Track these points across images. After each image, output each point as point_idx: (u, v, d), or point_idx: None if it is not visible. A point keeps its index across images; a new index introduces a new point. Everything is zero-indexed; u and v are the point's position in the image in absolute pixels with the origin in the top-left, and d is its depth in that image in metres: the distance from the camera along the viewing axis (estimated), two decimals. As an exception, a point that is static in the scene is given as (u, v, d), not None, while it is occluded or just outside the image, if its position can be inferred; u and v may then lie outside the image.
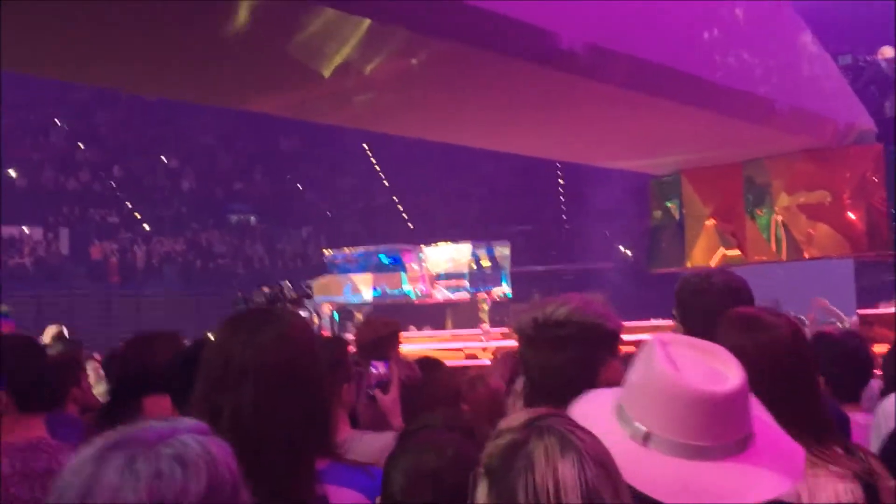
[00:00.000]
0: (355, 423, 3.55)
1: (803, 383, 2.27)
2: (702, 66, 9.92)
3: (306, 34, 6.84)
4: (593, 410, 1.67)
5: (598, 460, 1.29)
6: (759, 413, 1.65)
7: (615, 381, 2.17)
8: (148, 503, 1.11)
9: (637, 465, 1.50)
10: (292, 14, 6.67)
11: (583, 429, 1.34)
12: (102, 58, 7.54)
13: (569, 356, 2.13)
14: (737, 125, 11.08)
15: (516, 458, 1.28)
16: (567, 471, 1.25)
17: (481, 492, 1.30)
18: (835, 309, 11.97)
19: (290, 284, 11.52)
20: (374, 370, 3.42)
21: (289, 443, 2.02)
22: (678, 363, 1.54)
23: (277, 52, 7.21)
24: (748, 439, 1.55)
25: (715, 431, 1.51)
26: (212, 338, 2.23)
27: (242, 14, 6.48)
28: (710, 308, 2.79)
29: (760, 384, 1.75)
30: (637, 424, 1.55)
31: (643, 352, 1.61)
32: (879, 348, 6.31)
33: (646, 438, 1.54)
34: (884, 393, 4.53)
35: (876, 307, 12.18)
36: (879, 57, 13.99)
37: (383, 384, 3.44)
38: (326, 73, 7.64)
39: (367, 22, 6.73)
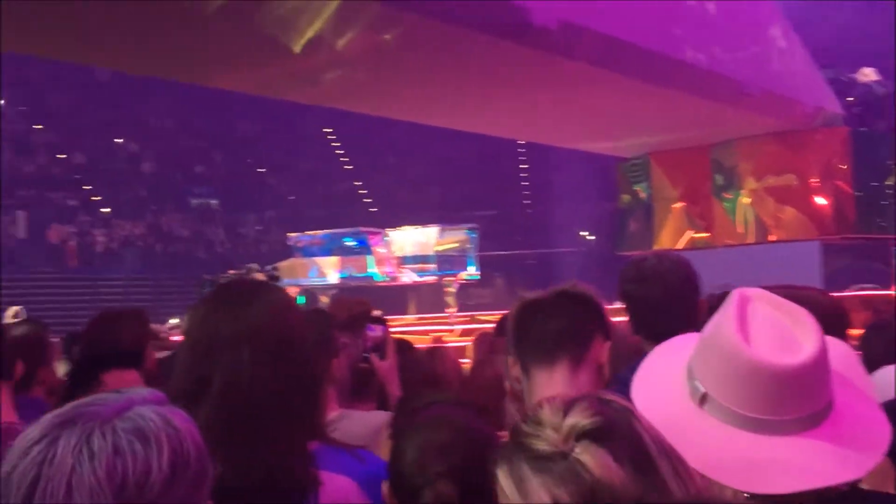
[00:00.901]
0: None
1: None
2: (673, 46, 9.89)
3: (278, 6, 6.66)
4: (670, 357, 1.55)
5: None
6: (847, 381, 1.48)
7: (603, 361, 2.12)
8: (107, 483, 1.00)
9: (689, 429, 1.37)
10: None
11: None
12: (65, 30, 7.31)
13: (568, 313, 2.12)
14: (706, 106, 11.07)
15: None
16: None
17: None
18: None
19: (257, 267, 11.38)
20: (370, 332, 3.25)
21: (286, 418, 1.90)
22: (750, 326, 1.39)
23: (247, 25, 7.02)
24: (823, 413, 1.38)
25: (781, 405, 1.35)
26: (196, 309, 2.09)
27: (212, -15, 6.30)
28: (636, 295, 2.83)
29: None
30: (696, 383, 1.41)
31: (724, 304, 1.45)
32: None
33: (702, 400, 1.39)
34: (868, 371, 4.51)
35: (845, 290, 12.26)
36: (861, 78, 13.99)
37: (380, 348, 3.28)
38: (297, 47, 7.47)
39: (342, -6, 6.58)
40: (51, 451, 1.01)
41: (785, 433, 1.35)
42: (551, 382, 2.05)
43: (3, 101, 30.31)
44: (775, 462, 1.34)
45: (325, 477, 1.97)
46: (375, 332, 3.26)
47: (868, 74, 14.14)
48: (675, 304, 2.77)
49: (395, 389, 3.49)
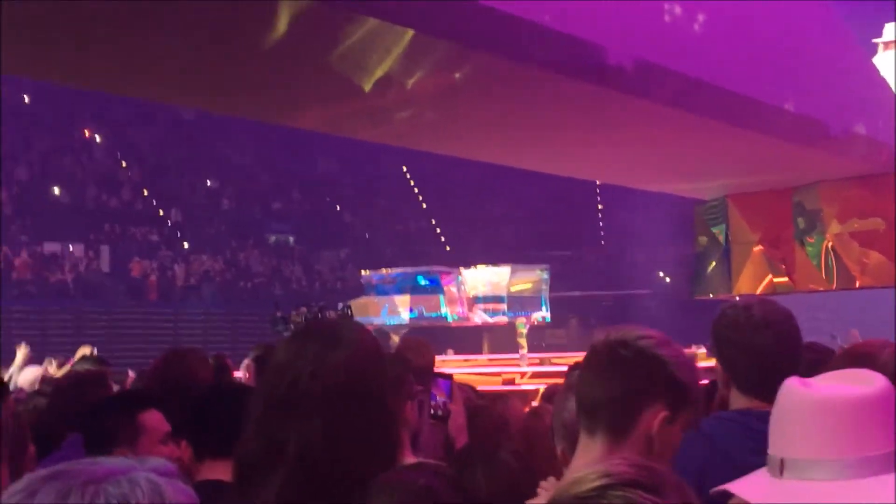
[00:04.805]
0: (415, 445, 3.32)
1: None
2: (754, 87, 9.63)
3: (348, 46, 6.66)
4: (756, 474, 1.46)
5: None
6: None
7: (655, 432, 1.89)
8: None
9: (771, 496, 1.33)
10: (334, 24, 6.49)
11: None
12: (144, 69, 7.43)
13: (617, 377, 1.91)
14: (788, 148, 10.75)
15: None
16: None
17: None
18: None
19: (322, 305, 11.31)
20: (435, 390, 3.16)
21: (361, 476, 1.82)
22: (808, 382, 1.39)
23: (318, 64, 7.04)
24: None
25: (851, 442, 1.30)
26: (276, 355, 2.01)
27: (283, 24, 6.32)
28: (746, 342, 2.60)
29: None
30: (772, 454, 1.38)
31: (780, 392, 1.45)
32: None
33: (781, 467, 1.35)
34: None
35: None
36: None
37: (445, 405, 3.18)
38: (367, 86, 7.46)
39: (411, 33, 6.53)
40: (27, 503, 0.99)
41: (876, 472, 1.30)
42: (587, 453, 1.90)
43: (98, 138, 31.25)
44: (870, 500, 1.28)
45: None
46: (440, 389, 3.16)
47: None
48: (784, 355, 2.59)
49: (462, 443, 3.40)
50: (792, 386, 1.39)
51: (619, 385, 1.91)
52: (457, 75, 7.61)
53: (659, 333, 1.99)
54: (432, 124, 9.31)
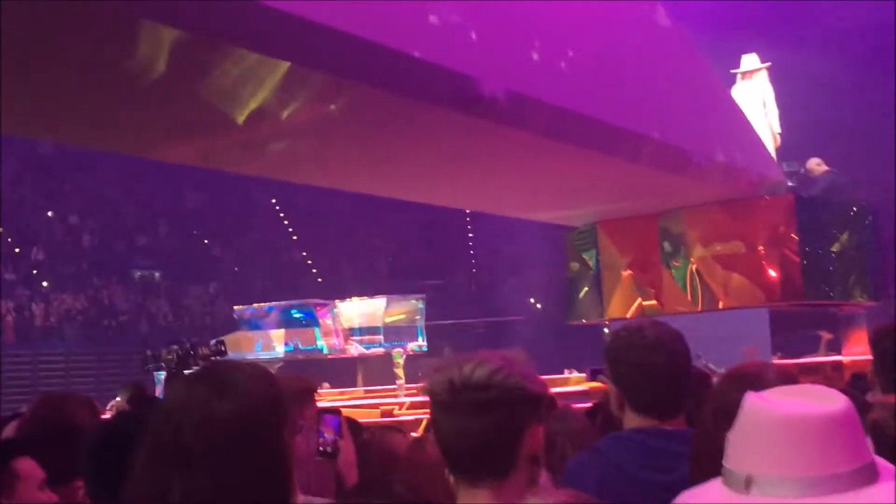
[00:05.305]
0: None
1: None
2: (621, 116, 9.91)
3: (220, 77, 6.51)
4: (705, 490, 1.50)
5: None
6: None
7: (538, 448, 1.95)
8: None
9: None
10: (206, 56, 6.33)
11: None
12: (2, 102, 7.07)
13: (489, 421, 1.91)
14: (654, 175, 11.10)
15: None
16: None
17: None
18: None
19: (194, 341, 10.98)
20: (324, 426, 3.10)
21: None
22: (771, 399, 1.44)
23: (188, 96, 6.85)
24: (870, 472, 1.37)
25: (819, 459, 1.35)
26: (163, 400, 1.92)
27: (151, 54, 6.12)
28: (640, 363, 2.69)
29: None
30: (738, 472, 1.41)
31: (740, 409, 1.49)
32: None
33: (748, 483, 1.38)
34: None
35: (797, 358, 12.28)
36: (815, 170, 14.15)
37: (335, 443, 3.11)
38: (240, 119, 7.31)
39: (286, 65, 6.44)
40: None
41: (844, 489, 1.34)
42: (473, 498, 1.91)
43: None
44: None
45: None
46: (328, 425, 3.10)
47: (818, 165, 14.26)
48: (675, 374, 2.71)
49: (352, 479, 3.35)
50: (756, 402, 1.42)
51: (494, 429, 1.91)
52: (331, 107, 7.55)
53: (494, 355, 1.99)
54: (308, 156, 9.21)
